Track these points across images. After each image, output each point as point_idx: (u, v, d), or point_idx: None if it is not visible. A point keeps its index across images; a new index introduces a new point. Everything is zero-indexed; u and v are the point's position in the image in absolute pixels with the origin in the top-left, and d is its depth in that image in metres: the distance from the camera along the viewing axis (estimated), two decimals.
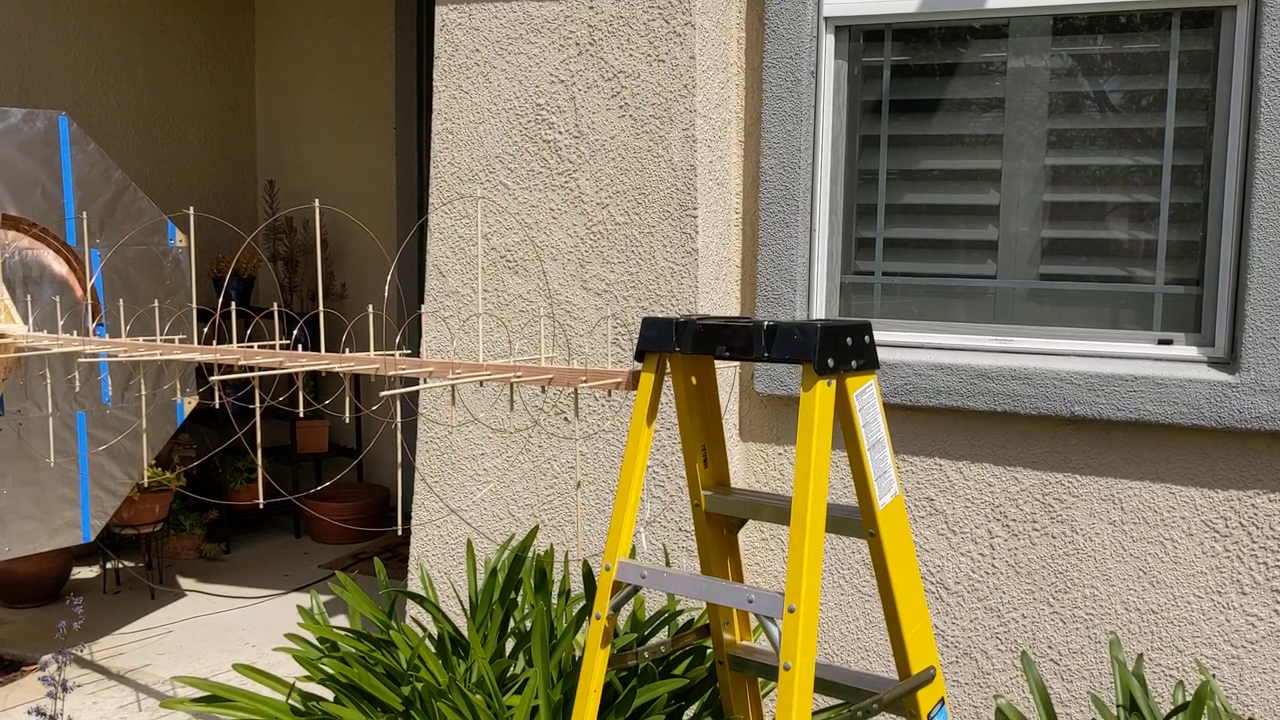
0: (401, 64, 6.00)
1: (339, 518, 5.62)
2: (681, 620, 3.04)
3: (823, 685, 2.13)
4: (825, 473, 1.85)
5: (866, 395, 1.95)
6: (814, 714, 2.60)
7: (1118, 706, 2.49)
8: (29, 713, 2.75)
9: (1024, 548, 3.12)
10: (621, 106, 3.26)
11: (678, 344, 2.07)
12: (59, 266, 3.83)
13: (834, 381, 1.89)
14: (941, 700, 2.12)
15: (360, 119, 6.13)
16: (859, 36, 3.30)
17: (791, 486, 3.36)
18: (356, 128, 6.14)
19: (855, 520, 2.03)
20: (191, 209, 2.87)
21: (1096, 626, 3.07)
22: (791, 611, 1.82)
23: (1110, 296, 3.12)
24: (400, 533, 2.85)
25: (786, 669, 1.82)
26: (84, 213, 3.86)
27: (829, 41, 3.26)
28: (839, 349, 1.88)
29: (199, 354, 2.75)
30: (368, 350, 6.19)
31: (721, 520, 2.29)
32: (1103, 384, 2.97)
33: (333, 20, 6.14)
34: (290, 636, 2.68)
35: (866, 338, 1.94)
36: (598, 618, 2.12)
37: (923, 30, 3.27)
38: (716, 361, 3.00)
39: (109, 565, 5.02)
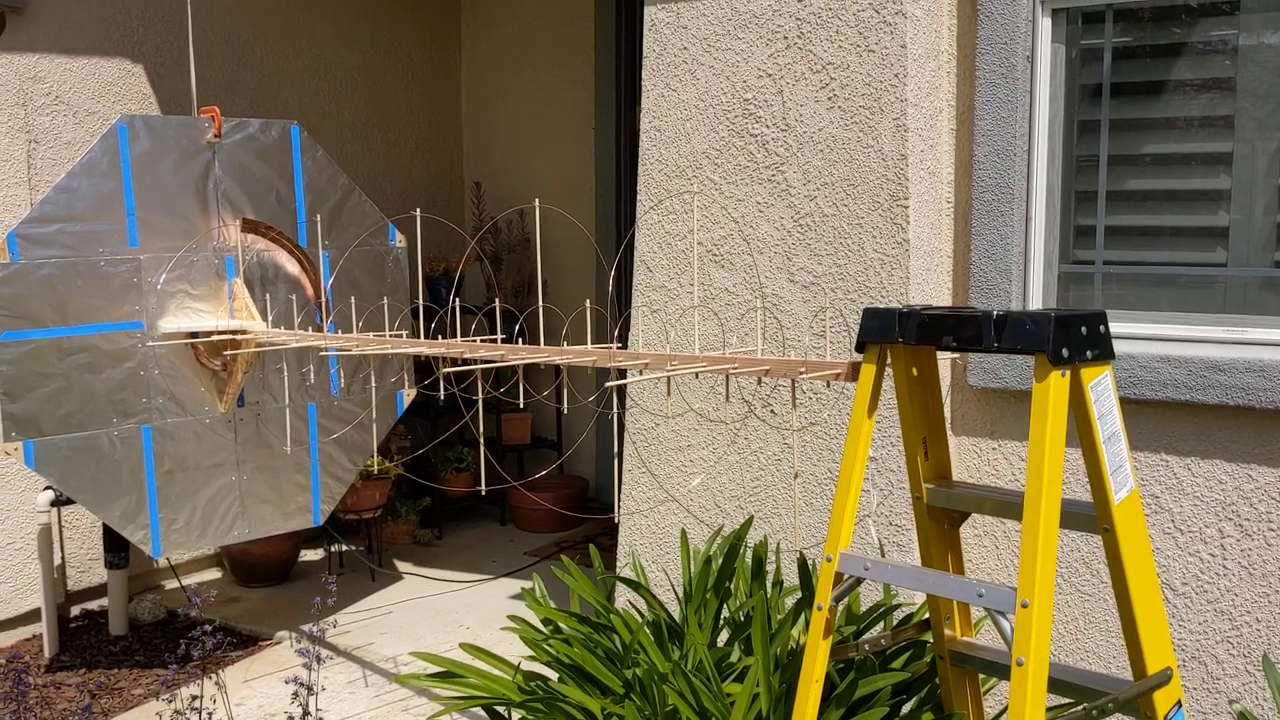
0: (600, 64, 6.11)
1: (546, 507, 5.80)
2: (898, 615, 3.02)
3: (1052, 684, 2.08)
4: (1060, 465, 1.82)
5: (1102, 386, 1.90)
6: None
7: None
8: (286, 681, 2.95)
9: (1259, 548, 2.97)
10: (830, 98, 3.25)
11: (900, 335, 2.05)
12: (292, 267, 4.08)
13: (1068, 372, 1.84)
14: (1179, 703, 2.05)
15: (559, 120, 6.29)
16: (1077, 19, 3.20)
17: (1007, 483, 3.28)
18: (556, 128, 6.30)
19: (1089, 515, 1.98)
20: (418, 210, 3.01)
21: None
22: (1025, 606, 1.79)
23: None
24: (616, 521, 2.92)
25: (1020, 665, 1.79)
26: (317, 216, 4.09)
27: (1045, 25, 3.17)
28: (1073, 338, 1.84)
29: (427, 348, 2.88)
30: (581, 345, 6.36)
31: (943, 514, 2.27)
32: None
33: (534, 24, 6.32)
34: (513, 618, 2.79)
35: (1102, 327, 1.89)
36: (819, 609, 2.13)
37: (1145, 10, 3.15)
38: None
39: (333, 549, 5.31)
